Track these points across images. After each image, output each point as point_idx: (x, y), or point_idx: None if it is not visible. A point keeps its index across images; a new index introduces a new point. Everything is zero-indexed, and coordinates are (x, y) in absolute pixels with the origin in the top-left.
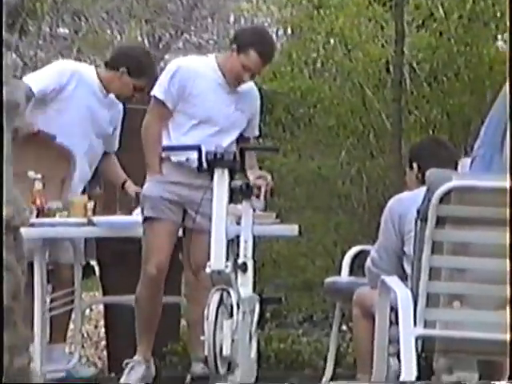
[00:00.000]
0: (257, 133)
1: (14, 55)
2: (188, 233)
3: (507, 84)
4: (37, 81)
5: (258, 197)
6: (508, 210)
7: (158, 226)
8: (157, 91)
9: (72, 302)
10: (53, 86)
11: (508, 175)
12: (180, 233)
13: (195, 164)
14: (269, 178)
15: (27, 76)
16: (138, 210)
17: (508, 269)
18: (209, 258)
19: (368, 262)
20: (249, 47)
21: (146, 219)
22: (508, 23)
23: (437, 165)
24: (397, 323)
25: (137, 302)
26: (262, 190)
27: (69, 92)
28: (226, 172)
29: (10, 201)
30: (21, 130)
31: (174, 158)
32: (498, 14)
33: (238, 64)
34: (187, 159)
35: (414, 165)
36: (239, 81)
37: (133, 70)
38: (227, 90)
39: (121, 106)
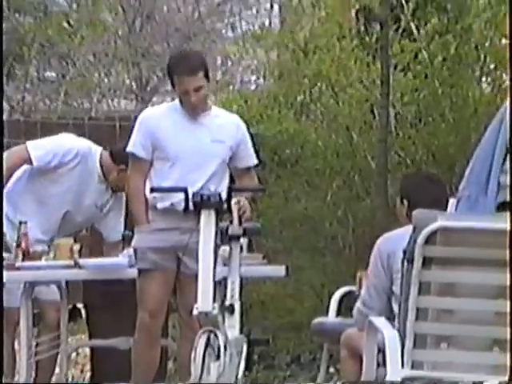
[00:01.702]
0: (254, 161)
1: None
2: (180, 276)
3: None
4: (40, 153)
5: (231, 222)
6: (495, 251)
7: (150, 277)
8: (130, 147)
9: (58, 345)
10: (54, 163)
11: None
12: None
13: (181, 207)
14: (243, 202)
15: (32, 142)
16: (124, 252)
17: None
18: (196, 300)
19: (358, 303)
20: (172, 75)
21: (138, 271)
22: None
23: (427, 203)
24: (384, 364)
25: (133, 350)
26: (235, 214)
27: (67, 169)
28: (213, 213)
29: None
30: None
31: (159, 206)
32: (482, 57)
33: (179, 94)
34: (172, 204)
35: (405, 201)
36: (195, 108)
37: None
38: (196, 124)
39: (122, 194)
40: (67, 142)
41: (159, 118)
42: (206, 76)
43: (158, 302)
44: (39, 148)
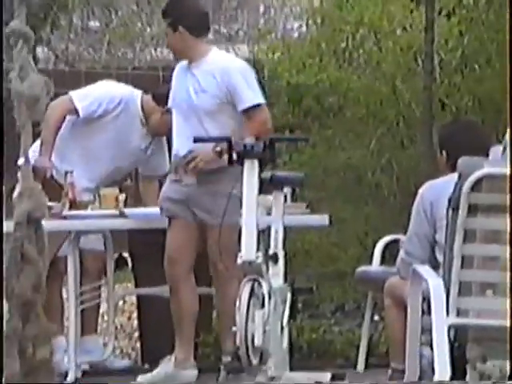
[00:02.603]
0: (246, 104)
1: (45, 49)
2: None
3: None
4: (85, 103)
5: (185, 172)
6: None
7: (168, 225)
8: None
9: (99, 295)
10: (99, 112)
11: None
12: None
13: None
14: (198, 153)
15: (76, 93)
16: None
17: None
18: (240, 249)
19: (401, 252)
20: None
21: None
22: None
23: (465, 151)
24: (429, 313)
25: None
26: (191, 165)
27: (111, 117)
28: (256, 163)
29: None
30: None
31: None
32: None
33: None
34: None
35: (444, 152)
36: (176, 58)
37: None
38: (189, 74)
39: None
40: (110, 90)
41: (177, 70)
42: (172, 24)
43: (173, 249)
44: (84, 98)
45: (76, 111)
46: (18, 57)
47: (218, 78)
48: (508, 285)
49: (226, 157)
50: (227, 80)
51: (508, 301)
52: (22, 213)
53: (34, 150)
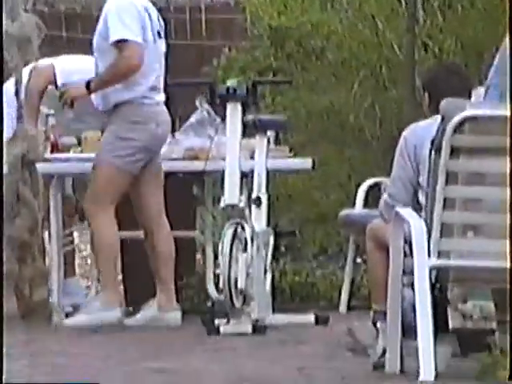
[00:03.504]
0: (113, 38)
1: None
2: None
3: None
4: (65, 81)
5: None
6: None
7: None
8: None
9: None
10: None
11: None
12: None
13: None
14: (67, 88)
15: (60, 64)
16: None
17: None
18: (223, 193)
19: (384, 195)
20: None
21: None
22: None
23: (448, 94)
24: (411, 254)
25: None
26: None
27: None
28: (239, 106)
29: (24, 137)
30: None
31: None
32: None
33: None
34: None
35: (426, 94)
36: None
37: None
38: None
39: None
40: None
41: None
42: None
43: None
44: (66, 77)
45: (56, 85)
46: None
47: (103, 17)
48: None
49: (206, 100)
50: (105, 18)
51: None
52: (16, 155)
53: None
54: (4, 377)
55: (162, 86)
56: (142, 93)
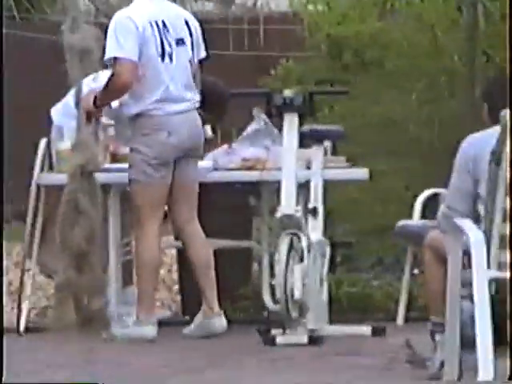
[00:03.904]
0: (106, 56)
1: (86, 1)
2: None
3: None
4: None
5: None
6: None
7: None
8: None
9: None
10: None
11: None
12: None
13: None
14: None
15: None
16: (209, 155)
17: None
18: (279, 203)
19: (442, 206)
20: None
21: None
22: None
23: (505, 105)
24: (469, 266)
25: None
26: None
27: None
28: (295, 116)
29: (83, 148)
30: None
31: None
32: None
33: None
34: None
35: (485, 105)
36: None
37: None
38: None
39: None
40: None
41: None
42: None
43: None
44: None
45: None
46: (71, 8)
47: None
48: None
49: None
50: (107, 35)
51: None
52: (75, 165)
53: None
54: (4, 377)
55: (179, 95)
56: (150, 105)
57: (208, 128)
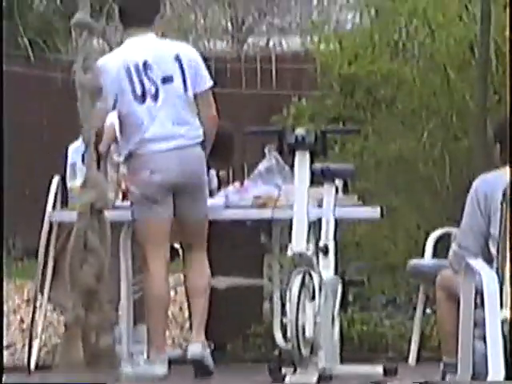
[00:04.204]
0: None
1: (100, 40)
2: None
3: None
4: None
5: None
6: None
7: None
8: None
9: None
10: None
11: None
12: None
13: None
14: None
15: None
16: (221, 192)
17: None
18: (290, 241)
19: (453, 245)
20: None
21: None
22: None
23: None
24: (482, 306)
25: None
26: None
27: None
28: (307, 154)
29: (93, 185)
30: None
31: None
32: None
33: None
34: None
35: (497, 144)
36: None
37: None
38: None
39: None
40: None
41: None
42: None
43: None
44: None
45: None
46: (82, 48)
47: None
48: None
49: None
50: None
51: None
52: (85, 203)
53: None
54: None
55: (166, 133)
56: (134, 146)
57: (213, 176)
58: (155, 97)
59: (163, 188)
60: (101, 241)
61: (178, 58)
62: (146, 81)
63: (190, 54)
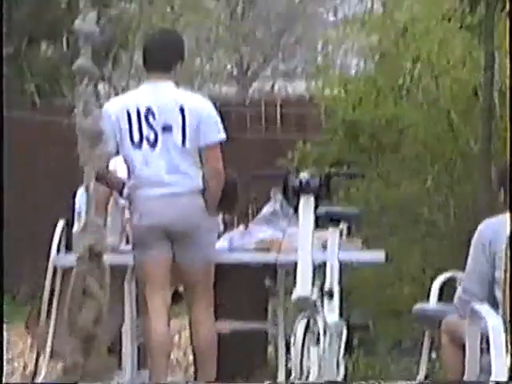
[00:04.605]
0: None
1: (106, 85)
2: None
3: None
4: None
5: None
6: None
7: None
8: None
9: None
10: None
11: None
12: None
13: None
14: None
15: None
16: (225, 235)
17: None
18: (295, 285)
19: (459, 290)
20: None
21: None
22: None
23: None
24: (488, 352)
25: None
26: None
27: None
28: (312, 198)
29: (92, 229)
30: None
31: None
32: None
33: None
34: None
35: (501, 189)
36: None
37: None
38: None
39: None
40: None
41: None
42: None
43: None
44: None
45: (120, 193)
46: (82, 93)
47: None
48: None
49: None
50: None
51: None
52: (84, 247)
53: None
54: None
55: (158, 180)
56: (129, 190)
57: (219, 221)
58: (153, 144)
59: (154, 231)
60: (100, 285)
61: (181, 109)
62: (144, 127)
63: (198, 106)
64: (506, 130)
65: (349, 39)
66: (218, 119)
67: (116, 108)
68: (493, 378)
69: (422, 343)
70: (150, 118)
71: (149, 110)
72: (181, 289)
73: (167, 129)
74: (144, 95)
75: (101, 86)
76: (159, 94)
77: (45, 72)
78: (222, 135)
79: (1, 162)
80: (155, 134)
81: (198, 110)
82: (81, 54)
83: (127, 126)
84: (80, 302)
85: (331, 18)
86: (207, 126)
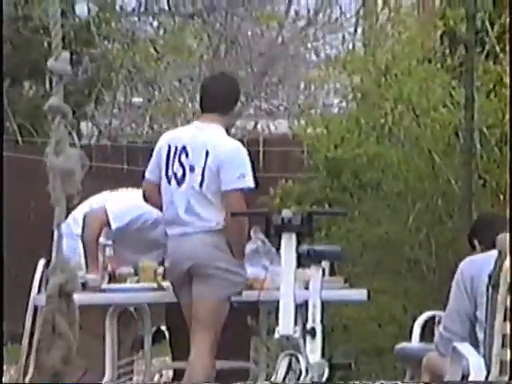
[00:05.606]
0: None
1: (89, 124)
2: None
3: None
4: (119, 223)
5: None
6: None
7: None
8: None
9: (132, 371)
10: (135, 228)
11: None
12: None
13: None
14: None
15: (111, 207)
16: None
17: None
18: (277, 323)
19: (440, 328)
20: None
21: None
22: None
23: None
24: None
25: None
26: None
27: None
28: (294, 236)
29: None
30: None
31: None
32: None
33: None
34: None
35: (475, 242)
36: None
37: None
38: None
39: None
40: (143, 206)
41: None
42: None
43: None
44: (119, 219)
45: (109, 225)
46: (55, 132)
47: None
48: None
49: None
50: None
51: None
52: (54, 286)
53: (68, 223)
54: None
55: (176, 218)
56: (164, 227)
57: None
58: (180, 181)
59: (173, 273)
60: (69, 324)
61: (206, 152)
62: (176, 164)
63: (222, 151)
64: (486, 171)
65: (331, 79)
66: (245, 166)
67: (163, 140)
68: None
69: (403, 382)
70: (183, 156)
71: (184, 148)
72: (162, 327)
73: (192, 169)
74: (186, 133)
75: (84, 125)
76: (196, 134)
77: (27, 111)
78: (246, 183)
79: None
80: (183, 172)
81: (221, 155)
82: (53, 93)
83: (164, 160)
84: (49, 341)
85: (313, 58)
86: (229, 173)
